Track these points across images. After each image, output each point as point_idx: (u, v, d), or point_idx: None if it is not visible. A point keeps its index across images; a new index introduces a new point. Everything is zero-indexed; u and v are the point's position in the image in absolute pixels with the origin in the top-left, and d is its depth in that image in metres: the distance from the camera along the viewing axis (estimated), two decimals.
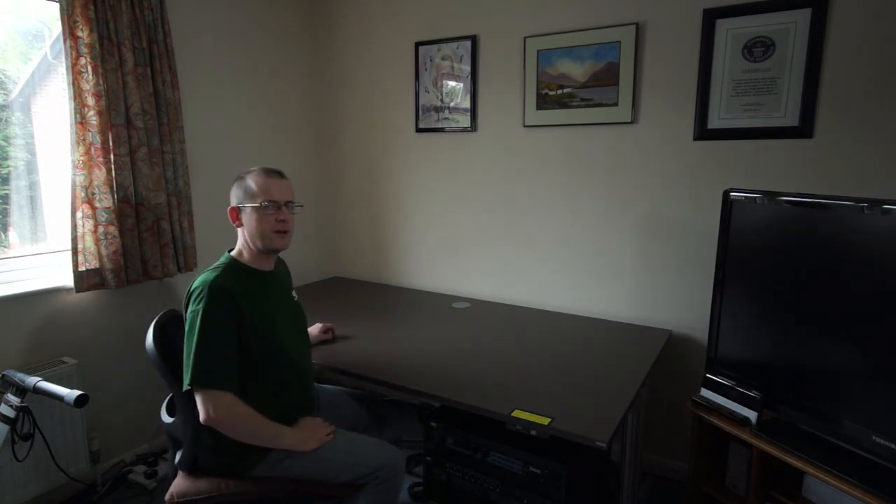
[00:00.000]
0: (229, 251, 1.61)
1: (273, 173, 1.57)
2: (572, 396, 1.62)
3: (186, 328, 1.44)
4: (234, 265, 1.55)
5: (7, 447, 1.80)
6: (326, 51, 3.12)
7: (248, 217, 1.54)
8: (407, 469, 2.45)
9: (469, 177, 2.73)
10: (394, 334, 2.17)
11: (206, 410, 1.38)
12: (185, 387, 1.40)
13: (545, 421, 1.46)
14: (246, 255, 1.58)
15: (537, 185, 2.54)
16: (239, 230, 1.58)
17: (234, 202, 1.57)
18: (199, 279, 1.48)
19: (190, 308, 1.45)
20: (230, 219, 1.58)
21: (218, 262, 1.55)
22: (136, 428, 2.46)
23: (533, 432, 1.50)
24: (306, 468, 1.51)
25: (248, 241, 1.56)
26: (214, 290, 1.42)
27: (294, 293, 1.77)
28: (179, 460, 1.56)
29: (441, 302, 2.67)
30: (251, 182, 1.54)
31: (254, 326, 1.47)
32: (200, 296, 1.42)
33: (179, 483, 1.52)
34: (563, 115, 2.41)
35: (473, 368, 1.82)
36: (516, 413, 1.50)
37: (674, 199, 2.23)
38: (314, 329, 2.03)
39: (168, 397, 1.69)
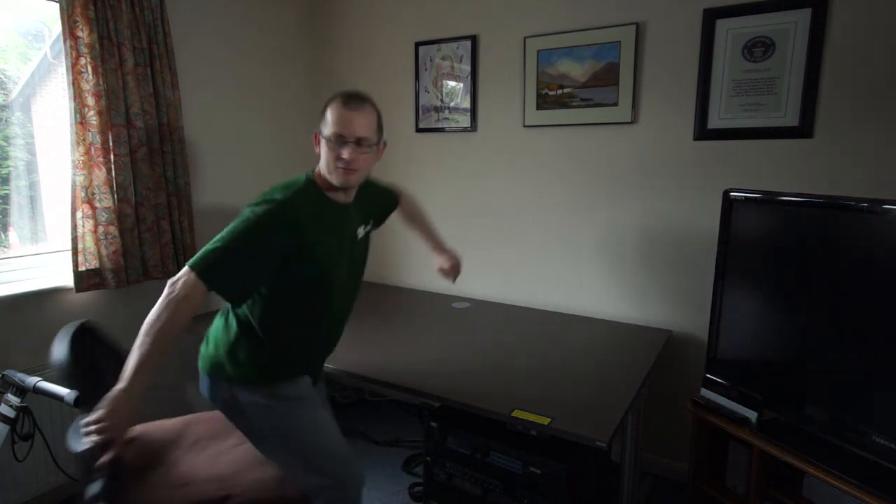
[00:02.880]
0: (311, 170, 1.49)
1: (351, 102, 1.41)
2: (572, 396, 1.62)
3: (234, 221, 1.34)
4: (310, 188, 1.44)
5: (7, 447, 1.80)
6: (326, 50, 3.11)
7: (321, 146, 1.43)
8: (407, 469, 2.45)
9: (469, 177, 2.73)
10: (394, 334, 2.17)
11: (178, 282, 1.28)
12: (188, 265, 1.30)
13: (545, 421, 1.46)
14: (319, 181, 1.46)
15: (537, 185, 2.54)
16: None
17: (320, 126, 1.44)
18: (276, 190, 1.38)
19: (249, 205, 1.35)
20: (314, 141, 1.46)
21: (296, 178, 1.44)
22: None
23: (533, 432, 1.50)
24: (307, 434, 1.44)
25: (321, 169, 1.45)
26: (278, 208, 1.34)
27: (364, 228, 1.63)
28: (98, 493, 1.25)
29: (441, 302, 2.67)
30: (329, 109, 1.41)
31: (305, 248, 1.38)
32: (264, 205, 1.34)
33: None
34: (562, 115, 2.41)
35: (473, 368, 1.82)
36: (516, 413, 1.50)
37: (674, 199, 2.23)
38: (443, 261, 1.96)
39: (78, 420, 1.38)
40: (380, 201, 1.76)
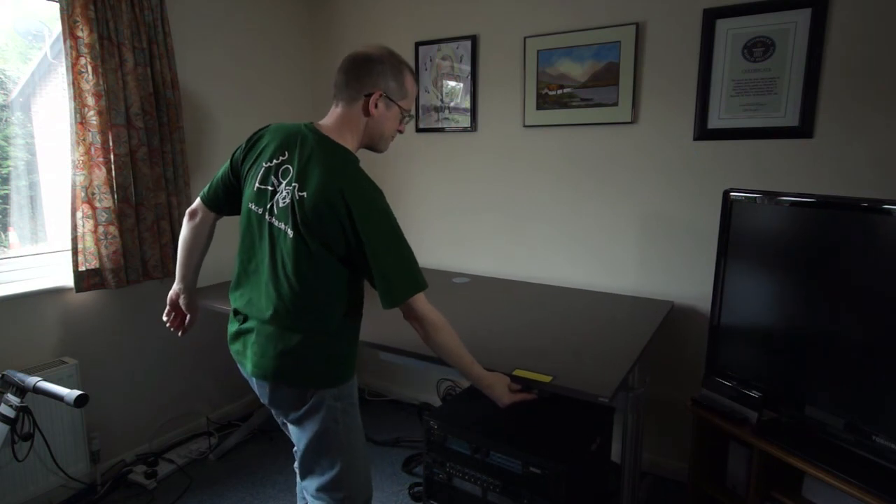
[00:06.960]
0: (311, 123, 1.35)
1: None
2: (575, 360, 1.61)
3: (379, 217, 1.24)
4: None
5: (7, 447, 1.80)
6: (327, 50, 3.12)
7: (387, 113, 1.33)
8: (407, 469, 2.45)
9: (469, 177, 2.73)
10: (394, 312, 2.14)
11: (420, 311, 1.30)
12: (403, 298, 1.26)
13: (547, 379, 1.44)
14: (353, 147, 1.33)
15: (537, 186, 2.54)
16: (361, 119, 1.32)
17: (382, 88, 1.30)
18: (353, 163, 1.27)
19: (363, 203, 1.21)
20: (366, 102, 1.30)
21: (346, 155, 1.29)
22: (136, 428, 2.46)
23: (535, 391, 1.47)
24: (353, 421, 1.37)
25: (367, 134, 1.35)
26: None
27: None
28: None
29: (441, 277, 2.62)
30: (409, 83, 1.34)
31: None
32: (379, 193, 1.26)
33: None
34: (563, 115, 2.41)
35: (476, 336, 1.79)
36: (517, 372, 1.48)
37: (674, 199, 2.23)
38: None
39: None
40: None
